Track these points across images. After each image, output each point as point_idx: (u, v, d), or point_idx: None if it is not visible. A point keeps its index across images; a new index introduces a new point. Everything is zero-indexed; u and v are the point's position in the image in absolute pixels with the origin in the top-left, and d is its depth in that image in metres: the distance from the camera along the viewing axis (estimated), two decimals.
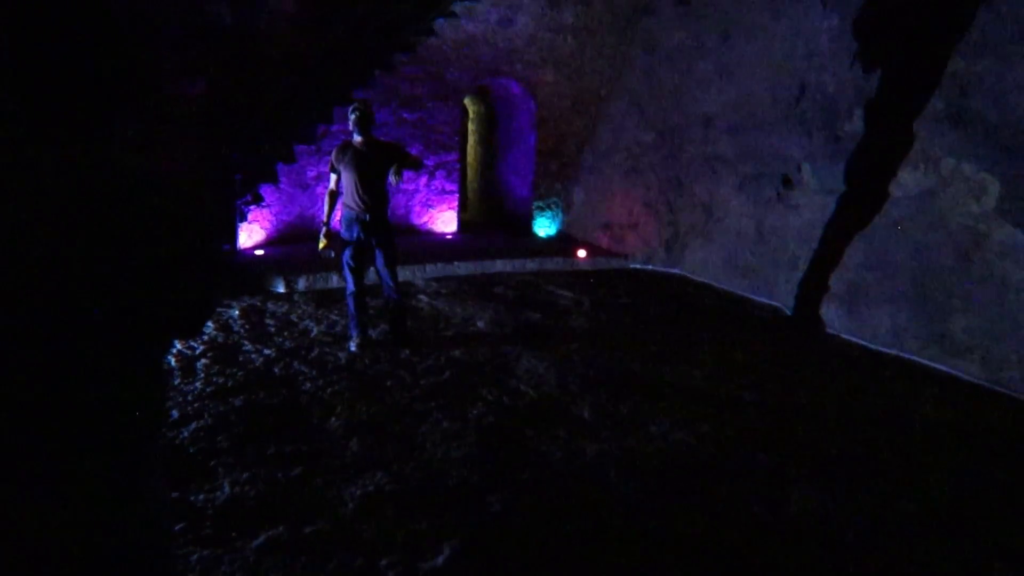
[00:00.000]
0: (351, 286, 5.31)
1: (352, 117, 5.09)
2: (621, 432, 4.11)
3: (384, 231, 5.30)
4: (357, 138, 5.15)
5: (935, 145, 5.77)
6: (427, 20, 9.33)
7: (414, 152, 9.44)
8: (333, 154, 5.24)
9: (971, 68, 5.57)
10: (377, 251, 5.30)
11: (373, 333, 5.62)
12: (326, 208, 5.34)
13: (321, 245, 5.31)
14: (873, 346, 5.97)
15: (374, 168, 5.16)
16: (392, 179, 5.20)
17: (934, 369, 5.44)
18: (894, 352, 5.79)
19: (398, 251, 5.51)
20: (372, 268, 5.43)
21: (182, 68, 8.16)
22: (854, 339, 6.16)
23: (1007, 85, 5.29)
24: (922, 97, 5.92)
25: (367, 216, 5.16)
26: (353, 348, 5.33)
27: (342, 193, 5.25)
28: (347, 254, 5.25)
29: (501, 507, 3.25)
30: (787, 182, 7.32)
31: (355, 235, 5.20)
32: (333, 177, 5.26)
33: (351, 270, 5.26)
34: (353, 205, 5.17)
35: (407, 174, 9.30)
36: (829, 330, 6.42)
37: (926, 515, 3.34)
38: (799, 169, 7.17)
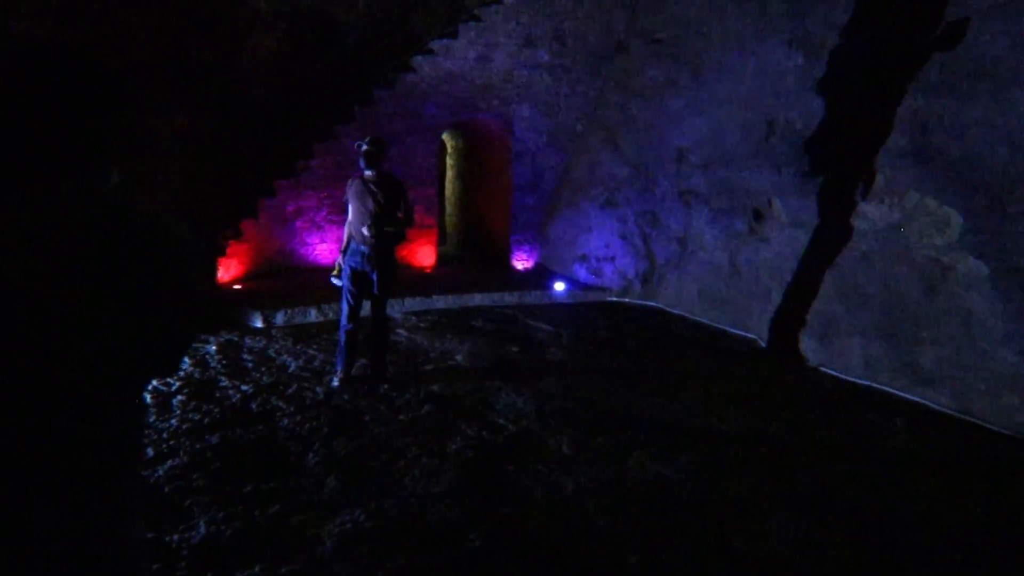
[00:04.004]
0: (346, 321, 5.27)
1: (362, 150, 5.11)
2: (600, 465, 4.13)
3: (385, 266, 5.25)
4: (367, 172, 5.17)
5: (899, 180, 5.95)
6: (406, 57, 9.47)
7: None
8: (347, 186, 5.31)
9: (931, 106, 5.78)
10: (374, 283, 5.27)
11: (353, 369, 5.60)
12: (344, 238, 5.37)
13: (334, 272, 5.37)
14: (846, 377, 6.07)
15: (379, 202, 5.13)
16: (366, 231, 5.09)
17: (905, 399, 5.55)
18: (866, 383, 5.89)
19: (394, 288, 5.50)
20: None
21: (163, 104, 8.17)
22: (828, 370, 6.26)
23: (966, 122, 5.49)
24: (886, 134, 6.12)
25: (369, 249, 5.15)
26: (335, 383, 5.30)
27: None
28: (347, 287, 5.25)
29: (482, 543, 3.24)
30: (758, 216, 7.48)
31: (357, 266, 5.20)
32: (351, 208, 5.31)
33: (348, 306, 5.25)
34: (357, 236, 5.18)
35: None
36: (803, 362, 6.52)
37: (901, 547, 3.39)
38: (770, 203, 7.34)
